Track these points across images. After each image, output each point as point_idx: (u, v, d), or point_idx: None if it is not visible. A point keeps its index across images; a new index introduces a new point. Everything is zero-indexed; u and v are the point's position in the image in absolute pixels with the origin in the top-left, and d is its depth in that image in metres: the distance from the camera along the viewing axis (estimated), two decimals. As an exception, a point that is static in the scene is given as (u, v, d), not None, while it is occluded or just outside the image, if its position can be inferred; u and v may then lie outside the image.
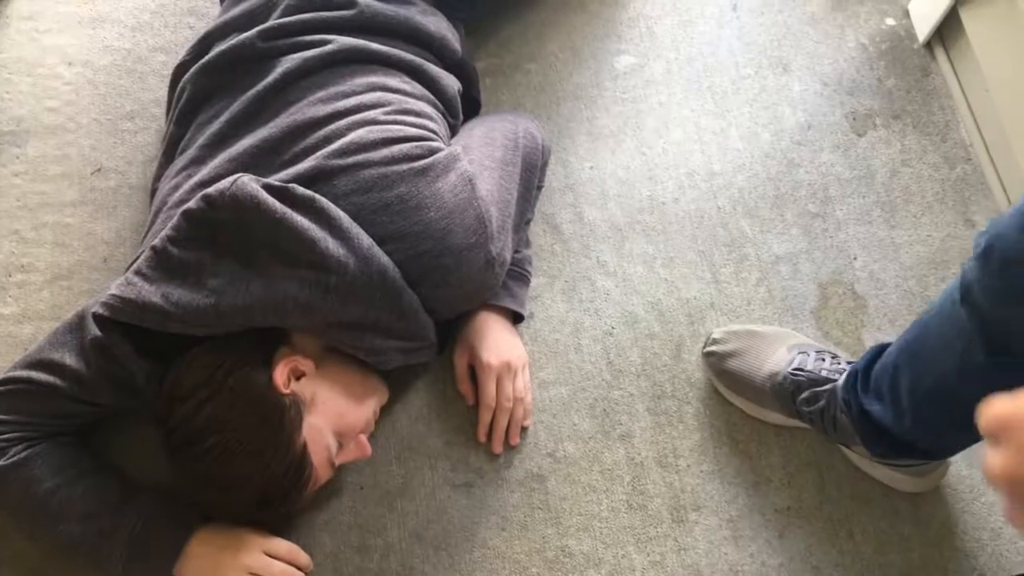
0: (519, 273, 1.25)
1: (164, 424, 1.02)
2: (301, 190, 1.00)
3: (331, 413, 1.06)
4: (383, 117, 1.10)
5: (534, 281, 1.30)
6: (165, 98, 1.29)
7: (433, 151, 1.08)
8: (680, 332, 1.28)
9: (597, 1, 1.54)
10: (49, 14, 1.51)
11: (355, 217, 1.02)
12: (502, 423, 1.20)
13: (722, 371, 1.21)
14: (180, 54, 1.24)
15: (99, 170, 1.38)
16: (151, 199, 1.19)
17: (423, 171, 1.05)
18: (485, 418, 1.20)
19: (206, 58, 1.18)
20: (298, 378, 1.04)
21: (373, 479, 1.19)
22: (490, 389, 1.19)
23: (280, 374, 1.02)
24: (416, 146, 1.07)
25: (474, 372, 1.22)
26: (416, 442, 1.21)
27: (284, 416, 1.00)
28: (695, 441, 1.21)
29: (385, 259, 1.02)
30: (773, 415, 1.20)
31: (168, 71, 1.26)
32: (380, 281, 1.01)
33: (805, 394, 1.13)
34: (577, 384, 1.25)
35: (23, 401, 1.07)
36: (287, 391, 1.02)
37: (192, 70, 1.19)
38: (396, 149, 1.06)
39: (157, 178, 1.20)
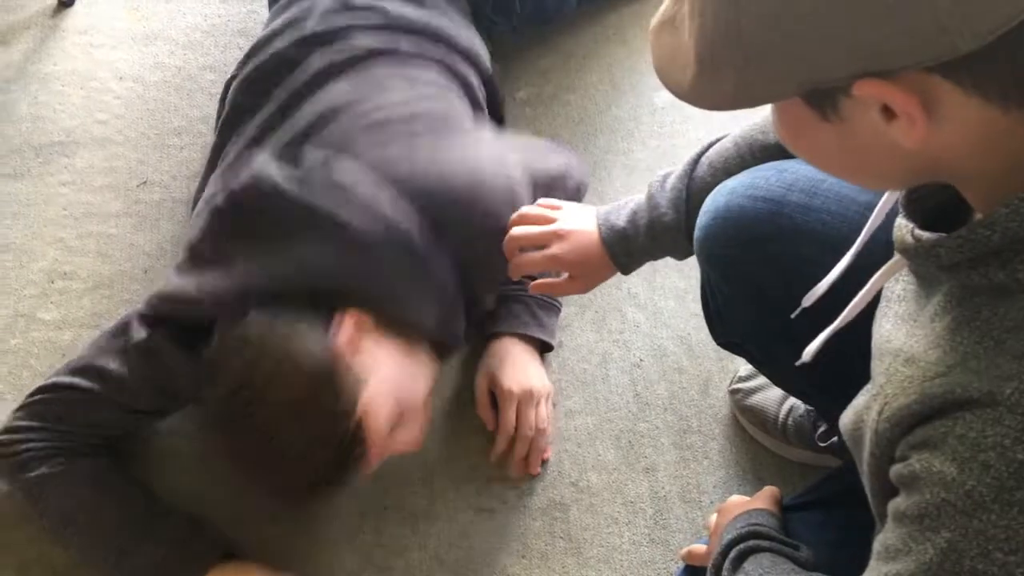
0: (549, 303, 1.26)
1: (211, 391, 0.98)
2: (319, 158, 1.05)
3: (388, 382, 1.00)
4: (410, 99, 1.16)
5: (564, 310, 1.30)
6: (212, 115, 1.33)
7: (460, 123, 1.15)
8: (708, 368, 1.28)
9: (639, 36, 1.55)
10: (104, 29, 1.56)
11: (377, 167, 1.05)
12: (520, 451, 1.19)
13: (745, 407, 1.21)
14: (229, 73, 1.28)
15: (144, 183, 1.41)
16: (192, 211, 1.22)
17: (448, 130, 1.13)
18: (501, 445, 1.19)
19: (245, 71, 1.22)
20: (354, 347, 0.99)
21: (398, 500, 1.19)
22: (509, 416, 1.18)
23: (340, 337, 0.98)
24: (442, 118, 1.15)
25: (495, 398, 1.22)
26: (442, 465, 1.22)
27: (339, 383, 0.96)
28: (719, 478, 1.21)
29: (408, 224, 1.04)
30: (797, 451, 1.19)
31: (216, 90, 1.30)
32: (406, 244, 1.03)
33: (822, 427, 1.12)
34: (603, 415, 1.25)
35: (66, 407, 1.09)
36: (347, 354, 0.98)
37: (234, 83, 1.24)
38: (421, 118, 1.13)
39: (200, 189, 1.23)
